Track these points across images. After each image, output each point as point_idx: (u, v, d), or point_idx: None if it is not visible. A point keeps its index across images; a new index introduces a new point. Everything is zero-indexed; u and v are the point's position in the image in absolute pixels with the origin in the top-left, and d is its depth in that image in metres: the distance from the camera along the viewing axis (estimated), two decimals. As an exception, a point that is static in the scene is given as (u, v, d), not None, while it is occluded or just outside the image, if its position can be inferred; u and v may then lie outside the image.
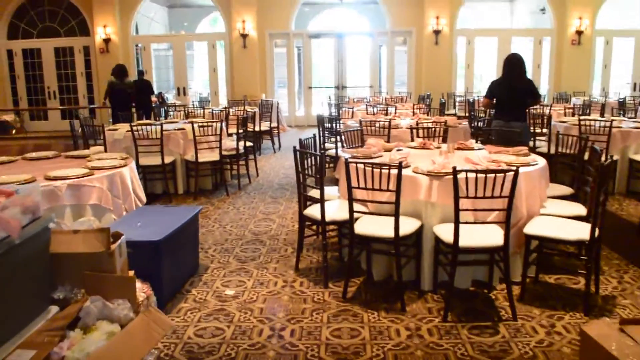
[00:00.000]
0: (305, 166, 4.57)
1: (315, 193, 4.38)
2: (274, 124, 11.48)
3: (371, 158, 4.57)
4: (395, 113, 9.13)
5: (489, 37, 15.80)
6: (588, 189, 4.27)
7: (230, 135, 8.33)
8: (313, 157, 4.59)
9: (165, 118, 10.77)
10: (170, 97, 16.11)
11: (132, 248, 3.68)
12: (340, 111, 9.97)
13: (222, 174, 7.30)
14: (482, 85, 16.66)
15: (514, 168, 3.44)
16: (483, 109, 7.98)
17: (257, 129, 10.52)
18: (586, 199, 4.52)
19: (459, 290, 3.90)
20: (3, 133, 15.16)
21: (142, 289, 3.72)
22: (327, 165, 7.99)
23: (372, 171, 3.75)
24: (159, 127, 6.87)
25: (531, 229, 3.73)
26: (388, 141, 6.47)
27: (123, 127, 7.47)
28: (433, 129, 6.29)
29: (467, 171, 3.63)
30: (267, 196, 7.18)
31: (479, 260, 3.86)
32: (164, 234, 3.74)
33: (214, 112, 9.73)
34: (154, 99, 14.05)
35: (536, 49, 15.47)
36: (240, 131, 7.82)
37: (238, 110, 10.37)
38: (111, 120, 11.61)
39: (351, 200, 3.78)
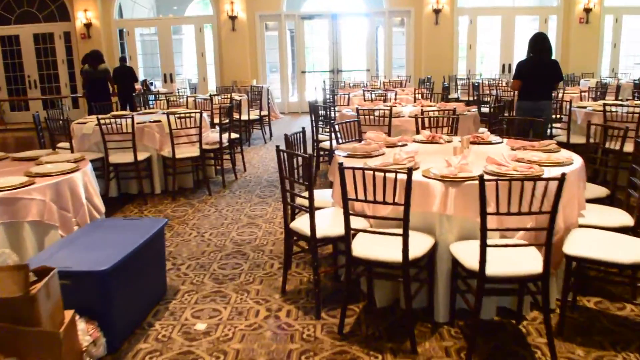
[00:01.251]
0: (295, 165, 3.81)
1: (304, 201, 3.60)
2: (265, 112, 10.67)
3: (371, 157, 3.82)
4: (395, 99, 8.34)
5: (492, 16, 14.97)
6: (635, 192, 3.53)
7: (214, 126, 7.56)
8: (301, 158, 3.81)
9: (146, 108, 9.99)
10: (159, 85, 15.27)
11: (73, 279, 2.95)
12: (335, 97, 9.19)
13: (203, 170, 6.53)
14: (483, 67, 15.84)
15: (558, 174, 2.67)
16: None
17: (245, 117, 9.74)
18: (626, 203, 3.79)
19: (481, 322, 3.15)
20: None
21: (87, 331, 2.98)
22: (321, 159, 7.24)
23: (374, 177, 2.98)
24: (130, 120, 6.10)
25: (573, 248, 2.98)
26: (389, 133, 5.72)
27: (92, 121, 6.69)
28: (440, 118, 5.53)
29: (497, 179, 2.81)
30: (254, 195, 6.42)
31: (508, 289, 3.12)
32: (113, 261, 2.98)
33: (198, 100, 8.91)
34: (137, 87, 13.25)
35: (542, 28, 14.61)
36: (225, 121, 7.04)
37: (224, 98, 9.58)
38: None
39: (347, 214, 3.02)
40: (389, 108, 6.12)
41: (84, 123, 6.56)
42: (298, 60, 15.30)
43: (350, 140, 5.01)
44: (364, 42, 15.34)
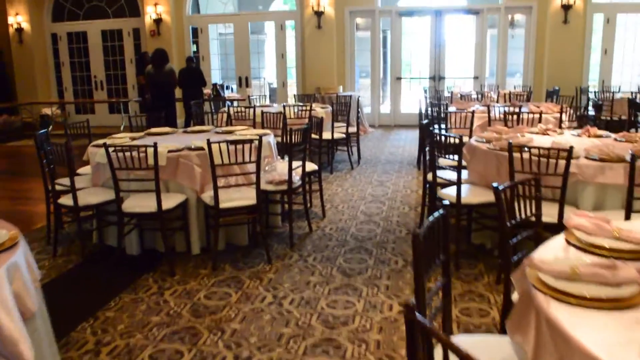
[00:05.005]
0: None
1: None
2: (353, 129, 8.48)
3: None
4: (540, 123, 5.93)
5: (635, 14, 12.07)
6: None
7: (283, 155, 5.46)
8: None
9: (212, 119, 8.03)
10: (235, 89, 13.47)
11: None
12: (447, 114, 6.91)
13: (261, 224, 4.41)
14: (622, 78, 12.90)
15: None
16: None
17: (328, 136, 7.61)
18: None
19: None
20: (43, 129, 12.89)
21: None
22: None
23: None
24: (161, 147, 4.11)
25: None
26: (564, 187, 3.39)
27: (120, 141, 4.78)
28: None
29: None
30: (335, 267, 4.25)
31: None
32: None
33: (267, 114, 6.83)
34: (207, 91, 11.47)
35: None
36: (299, 148, 4.92)
37: (302, 110, 7.48)
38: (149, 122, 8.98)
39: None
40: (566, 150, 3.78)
41: (101, 147, 4.62)
42: (393, 64, 13.02)
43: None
44: (471, 44, 12.84)
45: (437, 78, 12.73)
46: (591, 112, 10.28)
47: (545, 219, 3.56)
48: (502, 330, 2.43)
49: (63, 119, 13.88)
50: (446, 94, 10.56)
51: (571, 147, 3.52)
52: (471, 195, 4.22)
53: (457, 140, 4.29)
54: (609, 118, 9.39)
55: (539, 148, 3.63)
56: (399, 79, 13.01)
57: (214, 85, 11.72)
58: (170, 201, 4.17)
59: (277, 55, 13.20)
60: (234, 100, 11.48)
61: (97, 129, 13.08)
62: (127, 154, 4.02)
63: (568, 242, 2.11)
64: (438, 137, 4.50)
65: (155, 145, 3.91)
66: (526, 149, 3.72)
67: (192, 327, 3.32)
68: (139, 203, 4.11)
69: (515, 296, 2.35)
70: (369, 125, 12.34)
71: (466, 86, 12.67)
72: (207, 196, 4.23)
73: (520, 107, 6.69)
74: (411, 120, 12.73)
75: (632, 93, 9.66)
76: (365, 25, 13.74)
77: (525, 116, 6.38)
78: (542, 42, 11.94)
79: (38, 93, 14.02)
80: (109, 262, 4.41)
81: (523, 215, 2.57)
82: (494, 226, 4.31)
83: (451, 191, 4.32)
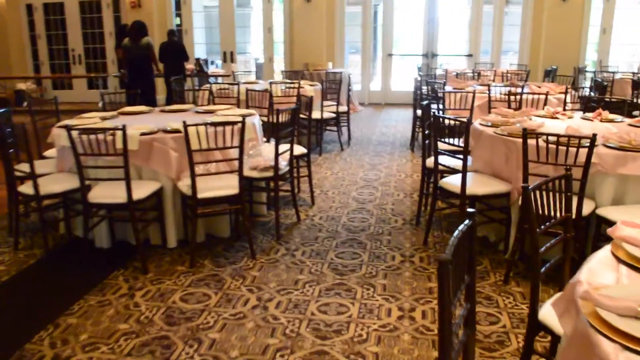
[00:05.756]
0: None
1: None
2: (343, 108, 8.03)
3: None
4: (546, 106, 5.54)
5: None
6: None
7: (268, 138, 5.04)
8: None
9: (194, 96, 7.52)
10: (220, 65, 12.91)
11: None
12: (443, 93, 6.50)
13: (244, 216, 3.98)
14: (619, 58, 12.50)
15: None
16: None
17: (318, 115, 7.17)
18: None
19: None
20: (18, 106, 12.28)
21: None
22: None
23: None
24: (133, 129, 3.67)
25: None
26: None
27: (89, 122, 4.32)
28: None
29: None
30: (326, 263, 3.85)
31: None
32: None
33: (252, 92, 6.35)
34: (189, 66, 10.93)
35: None
36: (286, 130, 4.47)
37: (290, 87, 7.02)
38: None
39: None
40: (570, 130, 3.39)
41: (73, 128, 4.15)
42: (384, 40, 12.52)
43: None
44: (466, 21, 12.39)
45: (429, 55, 12.27)
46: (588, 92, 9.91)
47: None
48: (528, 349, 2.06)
49: (39, 95, 13.29)
50: (439, 72, 10.11)
51: (594, 135, 3.13)
52: (476, 185, 3.83)
53: (462, 124, 3.88)
54: (607, 99, 9.02)
55: (557, 135, 3.23)
56: (390, 55, 12.54)
57: (197, 60, 11.16)
58: (142, 190, 3.73)
59: (264, 30, 12.64)
60: (218, 76, 10.96)
61: (75, 105, 12.57)
62: (93, 137, 3.57)
63: (617, 259, 1.72)
64: (441, 120, 4.08)
65: (124, 128, 3.45)
66: (543, 136, 3.30)
67: (164, 337, 2.91)
68: (108, 192, 3.67)
69: (545, 317, 1.97)
70: (358, 104, 11.90)
71: (458, 64, 12.24)
72: (184, 185, 3.80)
73: (522, 88, 6.28)
74: (403, 98, 12.30)
75: (633, 74, 9.29)
76: (354, -1, 13.25)
77: (528, 97, 5.99)
78: (539, 20, 11.51)
79: (12, 67, 13.37)
80: (76, 257, 3.97)
81: (548, 213, 2.17)
82: (500, 218, 3.94)
83: (454, 180, 3.92)
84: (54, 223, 4.49)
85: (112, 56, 13.30)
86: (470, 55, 12.27)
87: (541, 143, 3.35)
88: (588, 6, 11.42)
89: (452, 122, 4.28)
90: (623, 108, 9.12)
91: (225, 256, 3.96)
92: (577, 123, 4.28)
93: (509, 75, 9.01)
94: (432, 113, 3.97)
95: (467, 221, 1.55)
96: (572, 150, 3.22)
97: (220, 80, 11.14)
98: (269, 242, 4.23)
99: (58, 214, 4.48)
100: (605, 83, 7.38)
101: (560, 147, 3.30)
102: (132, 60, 8.98)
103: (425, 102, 4.53)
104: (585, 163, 3.14)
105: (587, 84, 11.31)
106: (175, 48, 9.80)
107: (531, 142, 3.31)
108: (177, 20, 13.09)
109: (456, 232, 1.48)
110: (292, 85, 7.12)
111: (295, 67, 11.47)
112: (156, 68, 9.42)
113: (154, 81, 9.56)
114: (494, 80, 8.84)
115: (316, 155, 7.13)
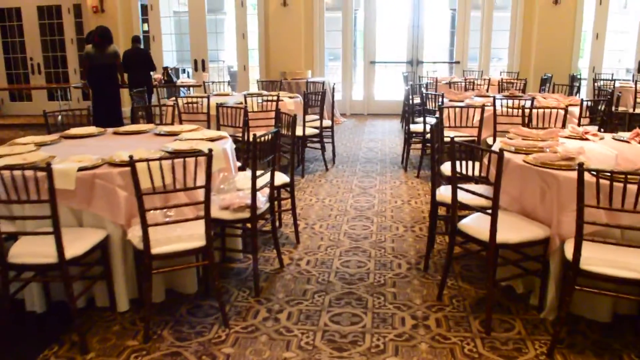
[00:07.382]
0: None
1: None
2: (327, 122, 7.20)
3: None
4: (570, 124, 4.82)
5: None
6: None
7: (243, 165, 4.22)
8: None
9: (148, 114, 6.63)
10: (191, 73, 12.04)
11: None
12: (439, 108, 5.74)
13: (212, 272, 3.12)
14: (613, 65, 11.92)
15: None
16: None
17: (300, 132, 6.36)
18: None
19: None
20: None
21: None
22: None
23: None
24: (68, 163, 2.81)
25: None
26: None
27: (23, 147, 3.46)
28: None
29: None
30: (320, 334, 3.02)
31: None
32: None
33: (224, 106, 5.50)
34: (157, 76, 10.04)
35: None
36: (266, 159, 3.64)
37: (267, 100, 6.19)
38: (92, 112, 7.44)
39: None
40: (624, 161, 2.63)
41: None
42: (366, 46, 11.78)
43: None
44: (448, 27, 11.70)
45: (414, 62, 11.56)
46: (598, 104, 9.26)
47: (626, 273, 2.46)
48: None
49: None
50: (426, 80, 9.38)
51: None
52: (506, 229, 3.02)
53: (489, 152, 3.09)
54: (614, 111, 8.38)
55: (625, 174, 2.44)
56: (373, 62, 11.79)
57: (165, 69, 10.27)
58: (80, 243, 2.87)
59: (238, 36, 11.79)
60: (188, 86, 10.08)
61: (34, 118, 11.56)
62: (15, 174, 2.70)
63: None
64: (460, 146, 3.28)
65: (48, 167, 2.59)
66: (605, 173, 2.53)
67: None
68: (34, 249, 2.80)
69: None
70: (340, 114, 11.12)
71: (441, 72, 11.54)
72: (135, 236, 2.94)
73: (532, 100, 5.54)
74: (387, 108, 11.58)
75: (636, 82, 8.65)
76: (333, 4, 12.50)
77: (538, 111, 5.25)
78: (530, 24, 10.89)
79: (-36, 77, 12.33)
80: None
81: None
82: (534, 270, 3.17)
83: (476, 222, 3.14)
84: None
85: (74, 65, 12.36)
86: (457, 62, 11.60)
87: (590, 178, 2.59)
88: (580, 11, 10.83)
89: (467, 145, 3.49)
90: (627, 120, 8.48)
91: (191, 323, 3.11)
92: (620, 148, 3.54)
93: (504, 84, 8.31)
94: (451, 139, 3.15)
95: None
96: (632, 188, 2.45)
97: (191, 91, 10.27)
98: (246, 299, 3.39)
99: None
100: (620, 93, 6.69)
101: (616, 184, 2.52)
102: (95, 70, 8.10)
103: (434, 121, 3.73)
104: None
105: (584, 92, 10.76)
106: (140, 57, 8.92)
107: (594, 181, 2.53)
108: (145, 27, 12.19)
109: None
110: (269, 98, 6.30)
111: (272, 76, 10.66)
112: (121, 79, 8.55)
113: (119, 94, 8.70)
114: (488, 90, 8.14)
115: (298, 177, 6.31)
